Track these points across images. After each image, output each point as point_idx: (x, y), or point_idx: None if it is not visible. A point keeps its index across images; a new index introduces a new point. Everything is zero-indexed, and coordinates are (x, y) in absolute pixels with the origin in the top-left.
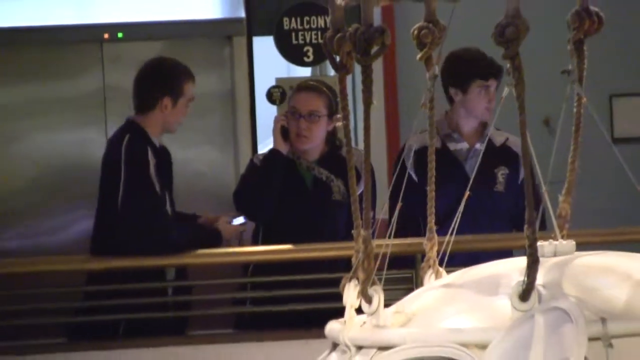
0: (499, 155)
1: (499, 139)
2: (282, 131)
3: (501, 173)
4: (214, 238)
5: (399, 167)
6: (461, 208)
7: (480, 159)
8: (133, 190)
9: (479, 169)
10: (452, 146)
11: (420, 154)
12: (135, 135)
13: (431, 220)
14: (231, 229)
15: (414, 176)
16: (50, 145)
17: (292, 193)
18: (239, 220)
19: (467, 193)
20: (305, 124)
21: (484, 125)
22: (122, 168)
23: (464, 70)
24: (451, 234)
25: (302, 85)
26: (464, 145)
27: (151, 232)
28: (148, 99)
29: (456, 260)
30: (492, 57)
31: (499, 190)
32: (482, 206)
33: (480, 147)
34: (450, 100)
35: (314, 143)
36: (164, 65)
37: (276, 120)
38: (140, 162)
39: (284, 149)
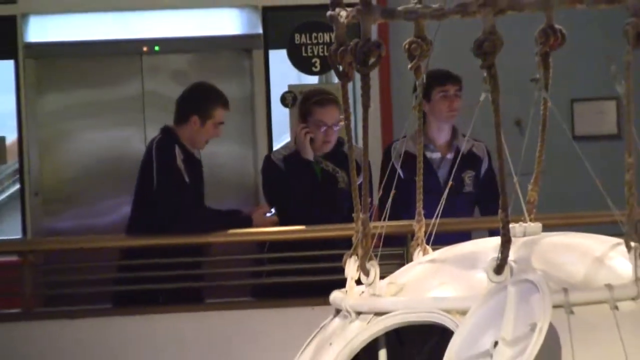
0: (465, 161)
1: (465, 147)
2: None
3: (468, 176)
4: (245, 223)
5: (388, 165)
6: (445, 194)
7: (451, 168)
8: (164, 178)
9: (449, 175)
10: (428, 154)
11: (407, 156)
12: (167, 136)
13: (419, 205)
14: (263, 219)
15: (401, 174)
16: (98, 142)
17: (305, 182)
18: (272, 212)
19: (450, 183)
20: (331, 132)
21: (453, 137)
22: (154, 160)
23: (428, 81)
24: (436, 217)
25: (324, 100)
26: (437, 155)
27: (179, 211)
28: (181, 113)
29: (440, 240)
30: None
31: (468, 190)
32: (454, 206)
33: (450, 157)
34: (424, 116)
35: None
36: (201, 89)
37: (303, 133)
38: (169, 155)
39: (311, 156)
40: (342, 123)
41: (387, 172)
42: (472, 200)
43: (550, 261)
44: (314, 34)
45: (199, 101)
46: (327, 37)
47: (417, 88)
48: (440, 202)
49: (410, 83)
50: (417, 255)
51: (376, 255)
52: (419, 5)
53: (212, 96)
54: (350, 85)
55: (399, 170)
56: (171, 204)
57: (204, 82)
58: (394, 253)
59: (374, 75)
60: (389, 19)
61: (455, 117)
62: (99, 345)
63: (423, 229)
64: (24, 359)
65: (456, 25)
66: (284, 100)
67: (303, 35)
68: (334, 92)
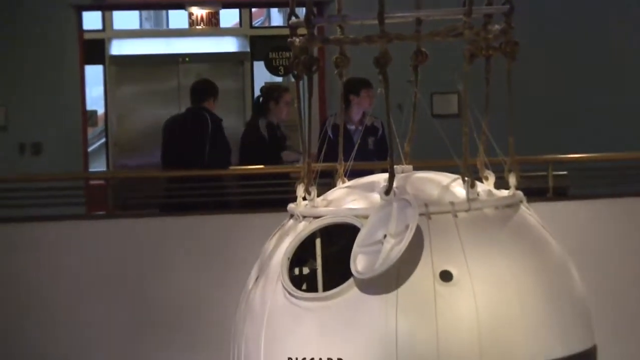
0: (369, 131)
1: (369, 122)
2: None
3: (371, 140)
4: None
5: (323, 132)
6: (354, 153)
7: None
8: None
9: (357, 140)
10: (348, 126)
11: (334, 126)
12: (204, 110)
13: (340, 154)
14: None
15: (331, 136)
16: (151, 115)
17: (274, 139)
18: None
19: (359, 141)
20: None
21: (364, 117)
22: (209, 121)
23: (358, 84)
24: (350, 161)
25: (282, 94)
26: (353, 127)
27: (224, 152)
28: (202, 96)
29: (353, 175)
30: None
31: (370, 148)
32: (363, 158)
33: (360, 129)
34: (347, 103)
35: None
36: (209, 82)
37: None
38: (219, 122)
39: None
40: (295, 105)
41: (322, 135)
42: (373, 154)
43: (418, 188)
44: (280, 52)
45: (210, 89)
46: (288, 54)
47: (341, 85)
48: (352, 154)
49: (336, 83)
50: (339, 183)
51: (315, 183)
52: (342, 36)
53: (213, 87)
54: (301, 83)
55: (330, 134)
56: (222, 149)
57: (207, 79)
58: (325, 182)
59: (316, 77)
60: (325, 44)
61: (371, 108)
62: (151, 234)
63: (343, 168)
64: (108, 243)
65: (365, 48)
66: (261, 91)
67: (274, 53)
68: (291, 87)
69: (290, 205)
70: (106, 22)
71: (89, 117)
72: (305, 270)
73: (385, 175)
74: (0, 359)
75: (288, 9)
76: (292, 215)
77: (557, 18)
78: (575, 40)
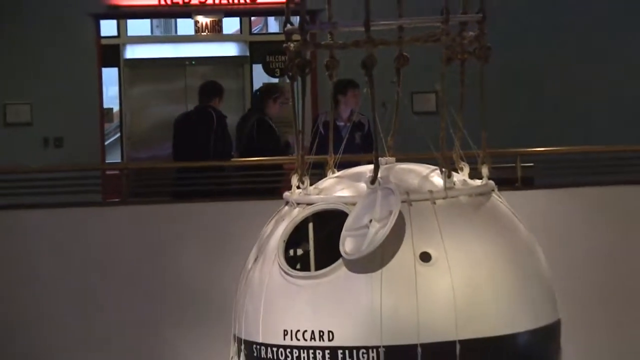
0: (357, 127)
1: (356, 119)
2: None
3: (358, 135)
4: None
5: (315, 128)
6: (342, 147)
7: (348, 130)
8: (222, 130)
9: (346, 135)
10: (337, 123)
11: (325, 122)
12: (210, 108)
13: (331, 147)
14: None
15: (322, 132)
16: (161, 112)
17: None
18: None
19: (347, 136)
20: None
21: (352, 114)
22: (215, 120)
23: (345, 85)
24: (339, 154)
25: (281, 95)
26: (342, 124)
27: (227, 145)
28: (209, 96)
29: (342, 167)
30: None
31: (357, 143)
32: (350, 152)
33: (348, 125)
34: (336, 102)
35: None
36: (216, 83)
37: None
38: (223, 118)
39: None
40: (290, 103)
41: (314, 130)
42: (360, 147)
43: (400, 177)
44: (276, 56)
45: (217, 89)
46: (283, 58)
47: (331, 86)
48: (341, 147)
49: (327, 83)
50: (329, 174)
51: (308, 173)
52: (332, 41)
53: (220, 87)
54: (295, 83)
55: (321, 129)
56: (225, 143)
57: (215, 81)
58: (316, 172)
59: (308, 78)
60: (317, 49)
61: (358, 106)
62: (162, 220)
63: (332, 160)
64: (122, 227)
65: (352, 51)
66: (259, 90)
67: (271, 56)
68: (287, 86)
69: (286, 194)
70: (121, 29)
71: (106, 114)
72: (299, 252)
73: (371, 167)
74: (8, 338)
75: (284, 17)
76: (287, 202)
77: (530, 16)
78: (549, 38)
